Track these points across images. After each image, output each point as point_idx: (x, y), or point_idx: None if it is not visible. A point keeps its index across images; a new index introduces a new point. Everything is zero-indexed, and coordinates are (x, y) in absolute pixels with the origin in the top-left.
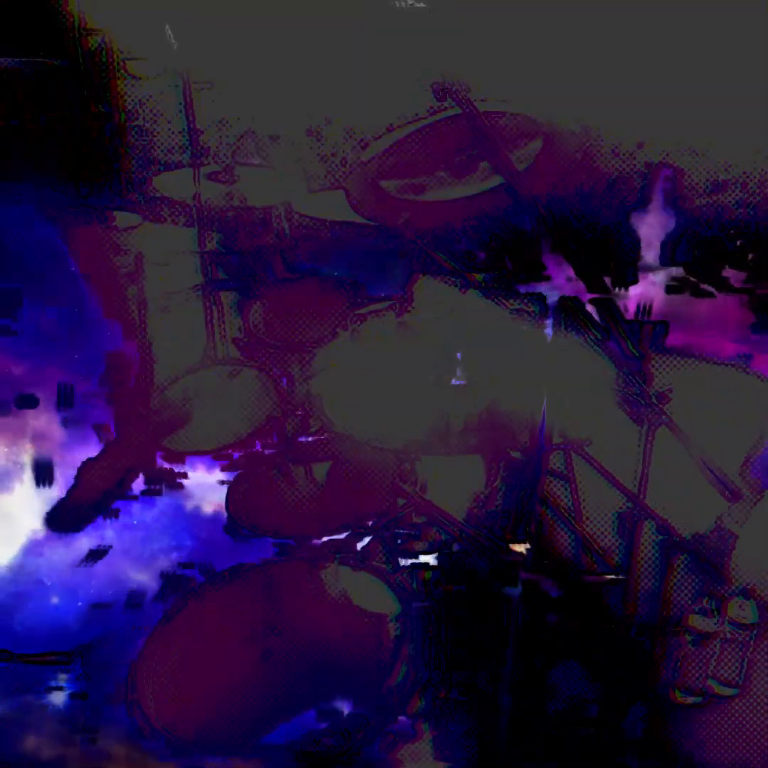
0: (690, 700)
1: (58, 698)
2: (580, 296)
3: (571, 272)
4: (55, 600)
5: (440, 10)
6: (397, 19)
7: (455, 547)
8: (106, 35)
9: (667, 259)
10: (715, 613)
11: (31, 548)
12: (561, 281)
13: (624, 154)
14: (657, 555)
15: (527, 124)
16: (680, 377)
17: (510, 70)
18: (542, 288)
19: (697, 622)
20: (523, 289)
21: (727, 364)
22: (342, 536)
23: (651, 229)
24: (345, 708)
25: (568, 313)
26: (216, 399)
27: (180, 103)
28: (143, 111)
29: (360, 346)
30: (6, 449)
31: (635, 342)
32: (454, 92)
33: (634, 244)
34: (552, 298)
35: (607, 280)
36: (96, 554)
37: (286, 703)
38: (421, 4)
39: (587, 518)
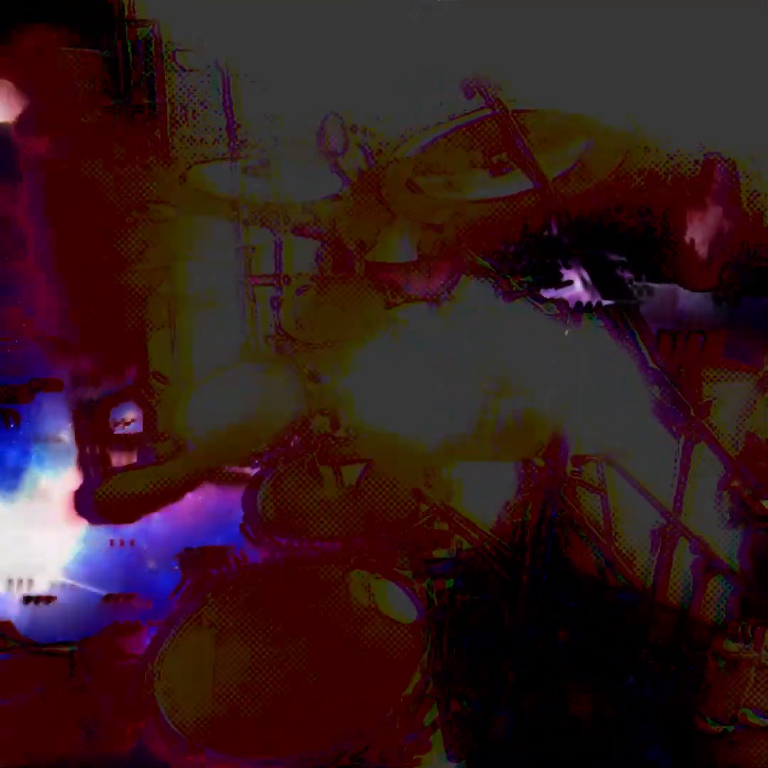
0: (720, 729)
1: (62, 690)
2: (602, 302)
3: (588, 277)
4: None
5: (483, 8)
6: (439, 18)
7: (477, 557)
8: (155, 26)
9: (720, 264)
10: (750, 638)
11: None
12: (581, 286)
13: (677, 155)
14: (690, 574)
15: (572, 124)
16: (721, 390)
17: (556, 68)
18: (565, 292)
19: (730, 647)
20: (546, 294)
21: None
22: (362, 541)
23: (705, 229)
24: (357, 715)
25: (609, 319)
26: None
27: (221, 96)
28: (189, 103)
29: (395, 345)
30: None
31: (656, 352)
32: (482, 90)
33: (686, 245)
34: (574, 302)
35: (630, 285)
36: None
37: (297, 707)
38: None
39: (620, 534)
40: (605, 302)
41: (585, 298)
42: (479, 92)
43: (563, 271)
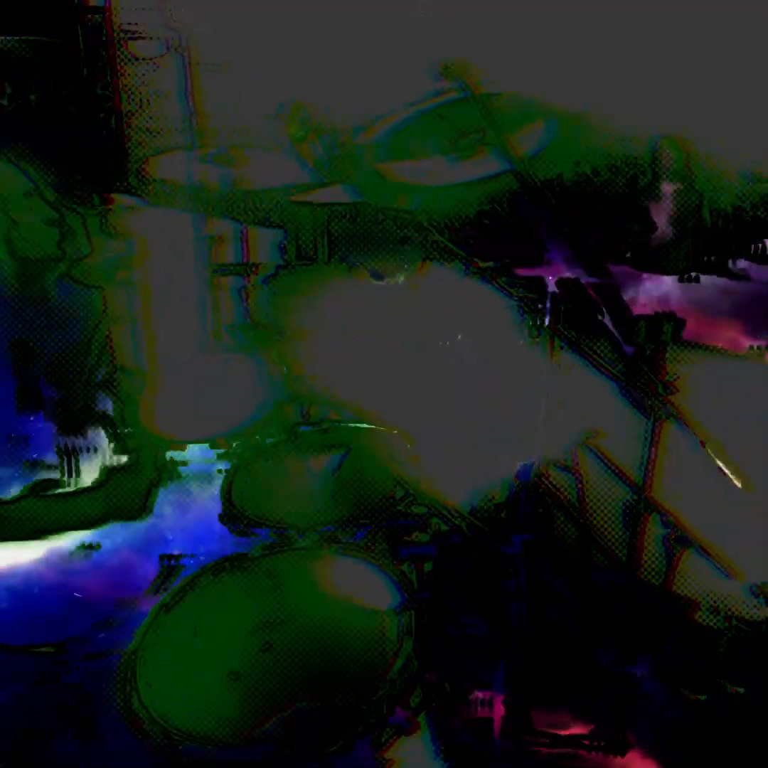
0: (701, 698)
1: (51, 689)
2: (580, 280)
3: (568, 255)
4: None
5: None
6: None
7: (455, 539)
8: (106, 13)
9: (680, 244)
10: (722, 610)
11: None
12: (559, 265)
13: (637, 138)
14: (662, 549)
15: (536, 106)
16: (694, 369)
17: (519, 53)
18: (540, 272)
19: (704, 618)
20: (521, 274)
21: (742, 356)
22: (343, 526)
23: (661, 208)
24: (340, 700)
25: (572, 300)
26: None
27: (181, 84)
28: (144, 92)
29: (364, 331)
30: None
31: (630, 330)
32: (455, 72)
33: (645, 225)
34: (550, 282)
35: (606, 264)
36: (90, 546)
37: (281, 694)
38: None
39: (593, 511)
40: (586, 281)
41: (568, 275)
42: (450, 74)
43: (544, 252)
